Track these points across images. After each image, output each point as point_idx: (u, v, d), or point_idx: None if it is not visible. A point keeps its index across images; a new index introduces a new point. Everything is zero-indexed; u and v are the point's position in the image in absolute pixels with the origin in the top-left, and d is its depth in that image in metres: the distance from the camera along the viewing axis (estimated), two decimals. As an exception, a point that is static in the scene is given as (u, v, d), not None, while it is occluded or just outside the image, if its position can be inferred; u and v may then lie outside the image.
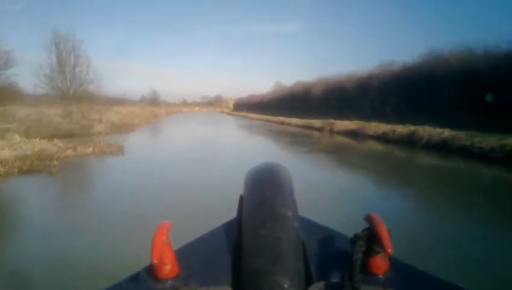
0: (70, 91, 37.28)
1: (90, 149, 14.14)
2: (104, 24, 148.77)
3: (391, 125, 20.09)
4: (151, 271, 0.72)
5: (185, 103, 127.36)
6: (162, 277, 0.71)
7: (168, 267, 0.71)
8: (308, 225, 0.93)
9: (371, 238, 0.68)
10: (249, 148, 16.73)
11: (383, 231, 0.66)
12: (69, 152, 13.43)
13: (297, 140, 21.08)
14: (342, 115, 28.73)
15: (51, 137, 20.36)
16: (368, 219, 0.71)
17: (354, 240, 0.70)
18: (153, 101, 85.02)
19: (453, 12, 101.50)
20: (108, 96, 48.15)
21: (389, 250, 0.64)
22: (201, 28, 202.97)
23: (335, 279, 0.69)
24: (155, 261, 0.67)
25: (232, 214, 0.95)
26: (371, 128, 21.20)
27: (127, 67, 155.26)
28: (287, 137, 24.13)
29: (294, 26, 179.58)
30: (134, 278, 0.74)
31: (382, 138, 19.21)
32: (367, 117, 25.40)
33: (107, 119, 30.36)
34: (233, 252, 0.82)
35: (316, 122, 29.88)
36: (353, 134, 22.34)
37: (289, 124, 36.06)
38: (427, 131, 16.42)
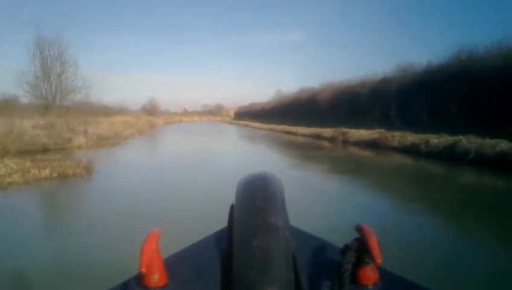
0: (56, 100, 34.23)
1: (47, 172, 10.94)
2: (105, 35, 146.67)
3: (420, 135, 16.84)
4: (139, 280, 0.72)
5: (185, 112, 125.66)
6: (150, 286, 0.71)
7: (157, 276, 0.71)
8: (299, 235, 0.94)
9: (361, 249, 0.69)
10: (253, 166, 13.47)
11: (373, 241, 0.66)
12: (16, 177, 10.24)
13: (309, 154, 17.83)
14: (352, 123, 25.61)
15: (19, 153, 17.42)
16: (359, 229, 0.71)
17: (344, 251, 0.70)
18: (151, 110, 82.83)
19: (458, 15, 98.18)
20: (105, 105, 47.58)
21: (379, 261, 0.64)
22: (203, 37, 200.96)
23: (325, 289, 0.70)
24: (143, 270, 0.66)
25: (223, 223, 0.92)
26: (394, 139, 17.93)
27: (128, 77, 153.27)
28: (295, 150, 20.89)
29: (296, 35, 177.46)
30: (123, 287, 0.73)
31: (411, 151, 15.91)
32: (381, 125, 22.24)
33: (94, 131, 27.42)
34: (223, 261, 0.82)
35: (326, 132, 26.66)
36: (372, 145, 19.05)
37: (295, 133, 32.83)
38: (473, 142, 13.17)
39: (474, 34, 66.51)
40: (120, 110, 55.29)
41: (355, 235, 0.72)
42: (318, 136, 27.18)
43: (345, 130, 23.47)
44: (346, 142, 22.16)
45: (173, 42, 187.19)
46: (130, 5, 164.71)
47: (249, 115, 73.34)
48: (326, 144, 23.13)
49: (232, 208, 0.89)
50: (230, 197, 0.89)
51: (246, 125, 56.74)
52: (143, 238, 0.69)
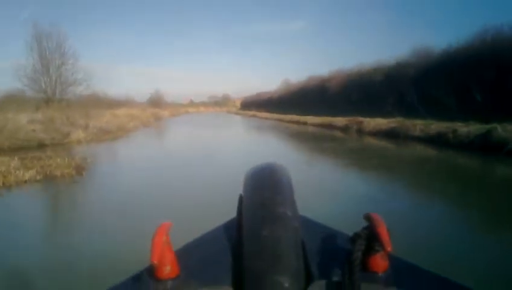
0: (56, 93, 33.00)
1: (32, 173, 9.67)
2: (112, 29, 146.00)
3: (445, 123, 15.35)
4: (151, 272, 0.72)
5: (191, 104, 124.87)
6: (162, 278, 0.71)
7: (168, 268, 0.71)
8: (308, 224, 0.93)
9: (370, 237, 0.69)
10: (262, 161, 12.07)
11: (383, 229, 0.67)
12: (-5, 180, 8.99)
13: (321, 147, 16.40)
14: (365, 111, 24.12)
15: (13, 150, 16.28)
16: (368, 217, 0.71)
17: (354, 239, 0.70)
18: (157, 102, 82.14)
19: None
20: (110, 98, 47.28)
21: (389, 248, 0.65)
22: (208, 28, 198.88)
23: (335, 277, 0.70)
24: (155, 262, 0.67)
25: (232, 213, 0.92)
26: (416, 128, 16.45)
27: (135, 70, 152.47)
28: (307, 142, 19.47)
29: (300, 23, 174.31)
30: (135, 279, 0.74)
31: (437, 141, 14.43)
32: (398, 113, 20.75)
33: (95, 124, 26.30)
34: (233, 252, 0.82)
35: (338, 121, 25.19)
36: (391, 135, 17.57)
37: (305, 123, 31.36)
38: (510, 130, 11.69)
39: (489, 16, 63.23)
40: (125, 103, 54.88)
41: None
42: (330, 126, 25.72)
43: (359, 118, 21.97)
44: (361, 132, 20.69)
45: (180, 36, 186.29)
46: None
47: (256, 105, 71.77)
48: (339, 134, 21.66)
49: (240, 198, 0.89)
50: (236, 196, 0.88)
51: (253, 116, 55.29)
52: (150, 235, 0.68)
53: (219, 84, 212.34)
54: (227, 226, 0.95)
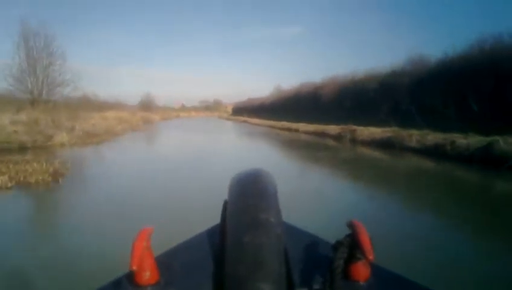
0: (43, 94, 32.04)
1: (4, 179, 8.88)
2: (103, 30, 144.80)
3: (442, 134, 14.87)
4: (130, 278, 0.71)
5: (182, 108, 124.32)
6: (141, 284, 0.70)
7: (148, 274, 0.70)
8: (292, 231, 0.94)
9: (352, 245, 0.69)
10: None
11: (365, 237, 0.66)
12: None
13: (314, 155, 15.80)
14: (359, 119, 23.67)
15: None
16: (351, 225, 0.71)
17: (336, 247, 0.70)
18: (147, 105, 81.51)
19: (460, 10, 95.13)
20: (100, 100, 46.94)
21: (370, 257, 0.64)
22: (200, 32, 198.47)
23: (316, 285, 0.70)
24: (134, 268, 0.66)
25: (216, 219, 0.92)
26: (412, 138, 15.94)
27: (126, 72, 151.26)
28: (299, 150, 18.88)
29: (293, 30, 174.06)
30: (113, 285, 0.72)
31: (434, 153, 13.91)
32: (392, 122, 20.28)
33: (82, 127, 25.57)
34: (216, 258, 0.82)
35: (331, 129, 24.68)
36: (386, 145, 17.03)
37: (297, 130, 30.81)
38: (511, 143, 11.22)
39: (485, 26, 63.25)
40: (115, 105, 54.28)
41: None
42: (322, 134, 25.20)
43: (353, 127, 21.48)
44: (355, 141, 20.17)
45: (172, 38, 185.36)
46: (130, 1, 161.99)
47: (247, 110, 71.12)
48: (332, 143, 21.11)
49: (225, 204, 0.88)
50: (220, 202, 0.88)
51: (244, 121, 54.66)
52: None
53: (211, 88, 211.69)
54: (211, 232, 0.96)
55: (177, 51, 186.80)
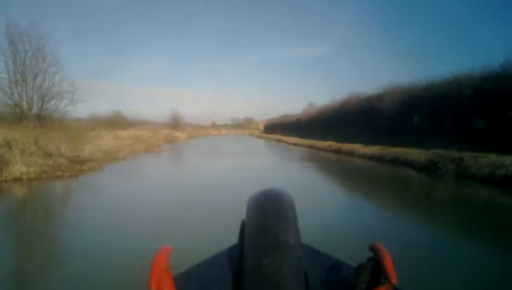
0: (34, 108, 25.93)
1: None
2: (137, 53, 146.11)
3: None
4: None
5: (213, 125, 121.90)
6: None
7: None
8: (312, 253, 0.91)
9: (375, 268, 0.67)
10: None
11: (388, 261, 0.65)
12: None
13: (407, 201, 8.30)
14: (439, 139, 16.08)
15: None
16: (373, 248, 0.69)
17: (358, 270, 0.68)
18: (175, 123, 77.25)
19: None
20: (122, 117, 47.90)
21: (394, 281, 0.63)
22: (233, 52, 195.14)
23: None
24: (153, 289, 0.65)
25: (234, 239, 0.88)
26: None
27: (161, 92, 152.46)
28: (372, 190, 11.36)
29: (325, 48, 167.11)
30: None
31: None
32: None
33: (71, 150, 19.47)
34: (234, 279, 0.79)
35: (413, 155, 16.88)
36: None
37: (351, 153, 23.19)
38: None
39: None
40: (141, 123, 53.76)
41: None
42: (395, 161, 17.52)
43: (454, 153, 13.71)
44: (463, 176, 12.45)
45: (207, 60, 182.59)
46: (165, 21, 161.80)
47: (281, 128, 64.01)
48: (425, 178, 13.44)
49: (242, 224, 0.86)
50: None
51: (278, 141, 47.30)
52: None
53: (242, 107, 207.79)
54: (229, 253, 0.93)
55: (211, 71, 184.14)
